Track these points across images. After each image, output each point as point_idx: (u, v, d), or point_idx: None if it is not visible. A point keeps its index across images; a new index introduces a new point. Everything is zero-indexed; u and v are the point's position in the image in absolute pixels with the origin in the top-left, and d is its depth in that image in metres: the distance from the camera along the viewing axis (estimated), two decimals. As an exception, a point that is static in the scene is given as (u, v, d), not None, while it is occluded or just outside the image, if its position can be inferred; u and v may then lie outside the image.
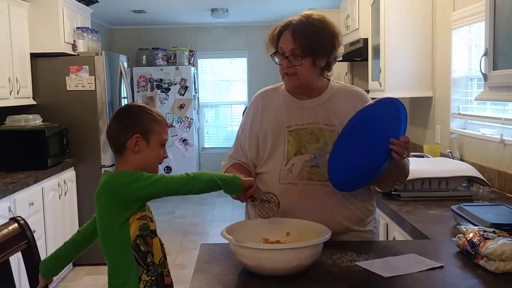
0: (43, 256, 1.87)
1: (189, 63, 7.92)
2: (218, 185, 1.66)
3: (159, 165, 1.75)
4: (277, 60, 1.95)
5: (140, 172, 1.63)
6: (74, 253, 1.85)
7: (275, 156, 1.96)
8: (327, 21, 1.91)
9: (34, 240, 1.82)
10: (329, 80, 2.01)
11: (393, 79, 3.81)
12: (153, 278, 1.65)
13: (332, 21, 1.95)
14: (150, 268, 1.65)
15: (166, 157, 1.75)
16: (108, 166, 4.64)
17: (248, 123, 2.07)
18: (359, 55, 4.60)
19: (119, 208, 1.61)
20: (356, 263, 1.65)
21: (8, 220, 1.81)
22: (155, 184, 1.60)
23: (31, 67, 4.43)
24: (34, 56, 4.46)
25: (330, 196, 1.87)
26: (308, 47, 1.85)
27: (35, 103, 4.49)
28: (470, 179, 2.69)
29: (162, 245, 1.72)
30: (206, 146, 8.61)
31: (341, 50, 1.96)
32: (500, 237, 1.60)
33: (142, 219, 1.65)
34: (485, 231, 1.67)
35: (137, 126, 1.67)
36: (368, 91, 4.36)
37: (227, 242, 1.62)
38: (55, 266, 1.83)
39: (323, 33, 1.87)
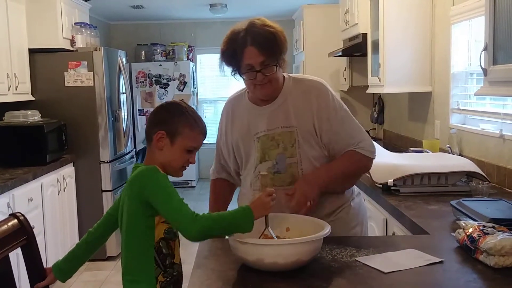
0: (41, 252, 1.87)
1: (188, 59, 7.91)
2: (230, 231, 1.59)
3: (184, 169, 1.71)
4: (244, 77, 1.92)
5: (167, 184, 1.58)
6: (87, 253, 1.84)
7: (249, 163, 2.03)
8: (267, 20, 1.91)
9: (34, 236, 1.81)
10: (283, 77, 2.00)
11: (393, 74, 3.81)
12: (168, 279, 1.65)
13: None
14: (168, 269, 1.65)
15: (192, 163, 1.70)
16: (107, 162, 4.64)
17: (223, 132, 2.13)
18: (358, 50, 4.59)
19: (142, 205, 1.59)
20: (355, 258, 1.65)
21: (7, 216, 1.80)
22: (169, 207, 1.56)
23: (29, 62, 4.42)
24: (32, 52, 4.45)
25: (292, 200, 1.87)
26: (274, 53, 1.86)
27: (33, 99, 4.48)
28: (470, 174, 2.69)
29: (178, 245, 1.72)
30: (205, 141, 8.55)
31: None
32: (500, 232, 1.60)
33: (167, 222, 1.63)
34: (484, 226, 1.67)
35: (167, 124, 1.64)
36: (367, 86, 4.36)
37: (227, 237, 1.62)
38: (70, 269, 1.82)
39: (276, 33, 1.87)
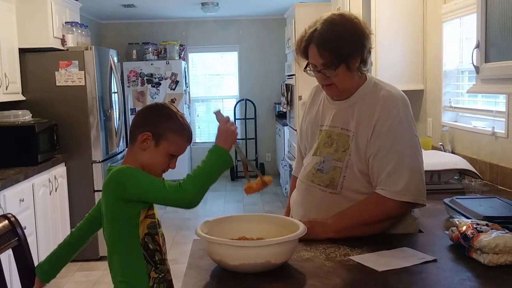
0: (34, 252, 1.86)
1: (180, 58, 7.88)
2: (216, 175, 1.59)
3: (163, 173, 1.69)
4: (311, 73, 1.88)
5: (142, 173, 1.58)
6: (70, 254, 1.82)
7: (309, 152, 2.01)
8: (349, 19, 1.82)
9: (25, 237, 1.80)
10: (366, 77, 1.90)
11: (385, 72, 3.81)
12: (160, 275, 1.64)
13: (354, 15, 1.86)
14: (158, 266, 1.64)
15: (172, 168, 1.69)
16: (99, 162, 4.61)
17: (302, 117, 2.12)
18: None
19: (124, 205, 1.58)
20: (349, 257, 1.64)
21: (-2, 218, 1.79)
22: (155, 192, 1.56)
23: (19, 62, 4.38)
24: (22, 51, 4.41)
25: (325, 201, 1.85)
26: (336, 56, 1.78)
27: (24, 98, 4.45)
28: (462, 172, 2.70)
29: (163, 241, 1.70)
30: (197, 141, 8.58)
31: (373, 38, 1.86)
32: (493, 230, 1.61)
33: (150, 217, 1.63)
34: (478, 224, 1.67)
35: (154, 126, 1.63)
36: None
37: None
38: (52, 269, 1.80)
39: (347, 36, 1.78)
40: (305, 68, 1.89)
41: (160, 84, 7.64)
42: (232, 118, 8.32)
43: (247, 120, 8.35)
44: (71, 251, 1.82)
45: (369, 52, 1.87)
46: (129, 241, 1.61)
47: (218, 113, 1.66)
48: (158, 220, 1.68)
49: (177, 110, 1.70)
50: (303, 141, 2.10)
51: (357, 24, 1.82)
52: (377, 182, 1.80)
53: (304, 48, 1.84)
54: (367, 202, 1.82)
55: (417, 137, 1.89)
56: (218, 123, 1.65)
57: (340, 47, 1.78)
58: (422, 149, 3.25)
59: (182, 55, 8.04)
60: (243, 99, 8.32)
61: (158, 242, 1.65)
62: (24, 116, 4.19)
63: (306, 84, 5.52)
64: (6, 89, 4.06)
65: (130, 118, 7.46)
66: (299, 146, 2.15)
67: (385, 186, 1.78)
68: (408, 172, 1.78)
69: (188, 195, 1.54)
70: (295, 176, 2.15)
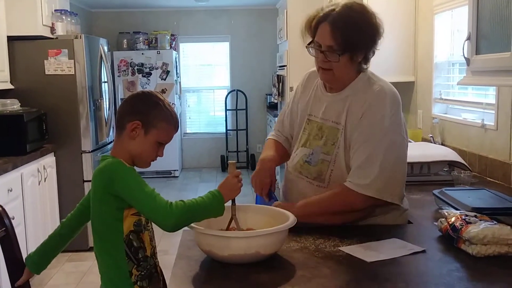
0: (22, 243, 1.84)
1: (171, 47, 7.84)
2: (203, 217, 1.57)
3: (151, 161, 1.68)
4: (311, 51, 1.85)
5: (135, 177, 1.55)
6: (60, 245, 1.81)
7: (296, 139, 2.00)
8: (368, 12, 1.81)
9: (13, 228, 1.78)
10: (360, 71, 1.89)
11: (376, 64, 3.72)
12: (143, 272, 1.63)
13: (373, 11, 1.84)
14: (141, 263, 1.63)
15: (161, 156, 1.68)
16: (89, 152, 4.59)
17: (291, 100, 2.09)
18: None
19: (111, 198, 1.56)
20: (339, 248, 1.65)
21: (-15, 207, 1.77)
22: (144, 203, 1.53)
23: (8, 50, 4.32)
24: (11, 39, 4.35)
25: (312, 193, 1.85)
26: (346, 43, 1.76)
27: (12, 87, 4.40)
28: (452, 164, 2.71)
29: (151, 237, 1.69)
30: (188, 131, 8.56)
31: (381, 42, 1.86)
32: (482, 221, 1.62)
33: (137, 214, 1.61)
34: (466, 215, 1.68)
35: (143, 114, 1.61)
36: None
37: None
38: (43, 260, 1.78)
39: (363, 27, 1.78)
40: (309, 44, 1.85)
41: (150, 74, 7.60)
42: (223, 109, 8.34)
43: (238, 111, 8.33)
44: (62, 241, 1.81)
45: (373, 53, 1.85)
46: (112, 236, 1.60)
47: (232, 165, 1.66)
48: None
49: (163, 97, 1.69)
50: (294, 121, 2.05)
51: (375, 20, 1.81)
52: (350, 174, 1.80)
53: (316, 24, 1.81)
54: (332, 192, 1.81)
55: (403, 138, 1.84)
56: (228, 171, 1.65)
57: (352, 35, 1.76)
58: (412, 141, 3.26)
59: (173, 45, 7.99)
60: (234, 90, 8.30)
61: (143, 239, 1.64)
62: (12, 105, 4.15)
63: (297, 75, 5.50)
64: (-6, 78, 4.02)
65: (120, 108, 7.40)
66: (288, 115, 2.09)
67: (352, 178, 1.78)
68: (378, 168, 1.75)
69: (173, 220, 1.50)
70: (272, 139, 2.12)
